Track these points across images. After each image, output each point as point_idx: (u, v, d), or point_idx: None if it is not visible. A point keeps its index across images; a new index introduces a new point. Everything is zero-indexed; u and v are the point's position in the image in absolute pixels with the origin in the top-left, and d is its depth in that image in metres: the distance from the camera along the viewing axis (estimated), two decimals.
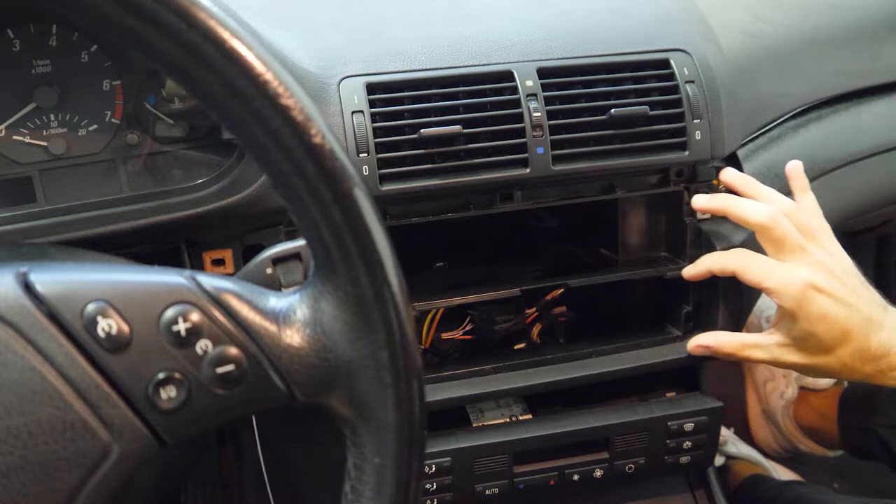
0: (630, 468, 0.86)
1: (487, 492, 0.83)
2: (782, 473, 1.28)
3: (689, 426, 0.86)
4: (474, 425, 0.84)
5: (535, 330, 0.90)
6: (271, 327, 0.43)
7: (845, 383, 1.35)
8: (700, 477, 0.99)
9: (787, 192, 0.91)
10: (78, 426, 0.40)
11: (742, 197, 0.81)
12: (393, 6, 0.85)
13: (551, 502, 0.89)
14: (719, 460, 1.23)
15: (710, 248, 0.83)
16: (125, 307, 0.41)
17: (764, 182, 0.88)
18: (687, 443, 0.87)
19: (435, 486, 0.81)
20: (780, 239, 0.77)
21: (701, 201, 0.82)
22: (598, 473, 0.85)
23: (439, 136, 0.73)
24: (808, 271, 0.76)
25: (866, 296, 0.78)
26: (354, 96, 0.73)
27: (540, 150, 0.76)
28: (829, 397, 1.33)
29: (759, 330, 1.46)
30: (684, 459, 0.88)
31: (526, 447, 0.81)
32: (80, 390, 0.40)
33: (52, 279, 0.41)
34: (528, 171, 0.76)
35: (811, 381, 1.35)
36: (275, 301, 0.44)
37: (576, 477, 0.85)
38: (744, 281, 0.78)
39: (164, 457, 0.44)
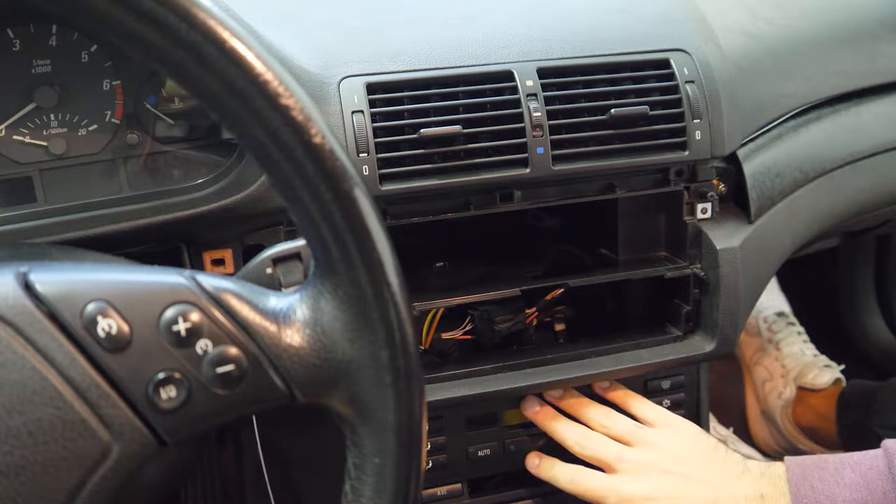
0: None
1: (480, 453, 0.85)
2: None
3: (666, 384, 0.89)
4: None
5: (535, 330, 0.90)
6: (271, 327, 0.43)
7: (843, 383, 1.35)
8: None
9: (788, 192, 0.91)
10: (78, 426, 0.40)
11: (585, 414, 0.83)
12: (393, 6, 0.85)
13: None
14: None
15: (710, 248, 0.83)
16: (125, 307, 0.41)
17: (764, 182, 0.88)
18: (666, 401, 0.89)
19: (430, 447, 0.83)
20: (594, 458, 0.79)
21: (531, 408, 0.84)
22: None
23: (439, 136, 0.73)
24: (639, 483, 0.76)
25: (712, 471, 0.77)
26: (354, 96, 0.73)
27: (540, 150, 0.76)
28: (827, 397, 1.33)
29: (758, 330, 1.47)
30: None
31: (513, 393, 0.82)
32: (80, 390, 0.40)
33: (52, 279, 0.41)
34: (528, 171, 0.76)
35: (809, 381, 1.35)
36: (275, 301, 0.44)
37: None
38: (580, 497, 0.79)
39: (164, 456, 0.44)
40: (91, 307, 0.40)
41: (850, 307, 1.64)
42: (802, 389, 1.36)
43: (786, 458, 0.76)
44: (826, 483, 0.71)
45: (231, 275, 0.54)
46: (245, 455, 1.07)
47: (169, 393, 0.41)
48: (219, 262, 0.75)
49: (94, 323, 0.40)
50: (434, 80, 0.76)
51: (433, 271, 0.93)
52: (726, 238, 0.84)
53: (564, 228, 0.99)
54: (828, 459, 0.74)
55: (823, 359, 1.40)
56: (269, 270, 0.49)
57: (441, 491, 0.87)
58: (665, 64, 0.81)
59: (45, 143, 0.72)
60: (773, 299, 1.51)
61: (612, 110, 0.77)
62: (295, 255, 0.49)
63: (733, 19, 0.92)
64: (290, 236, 0.76)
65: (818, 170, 0.93)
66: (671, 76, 0.80)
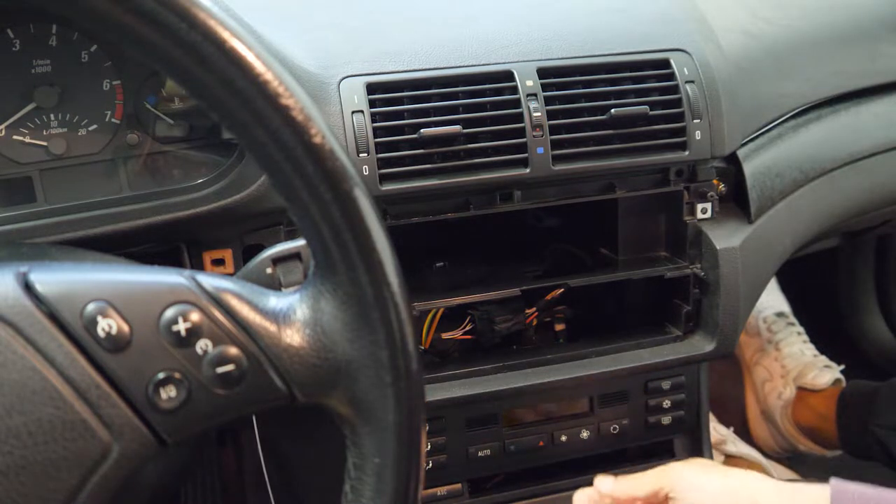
0: (615, 429, 0.88)
1: (480, 453, 0.85)
2: (781, 473, 1.28)
3: (666, 384, 0.89)
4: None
5: (535, 330, 0.90)
6: (271, 327, 0.43)
7: (843, 383, 1.35)
8: None
9: (788, 192, 0.91)
10: (78, 426, 0.40)
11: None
12: (393, 6, 0.85)
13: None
14: (718, 459, 1.23)
15: (710, 248, 0.83)
16: (125, 307, 0.41)
17: (764, 182, 0.88)
18: (666, 402, 0.89)
19: (430, 447, 0.83)
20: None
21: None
22: (585, 434, 0.87)
23: (439, 136, 0.73)
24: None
25: None
26: (354, 96, 0.73)
27: (540, 150, 0.76)
28: (827, 397, 1.33)
29: (758, 331, 1.47)
30: (665, 420, 0.90)
31: (513, 393, 0.82)
32: (80, 390, 0.40)
33: (52, 279, 0.41)
34: (528, 171, 0.76)
35: (809, 381, 1.35)
36: (275, 301, 0.44)
37: (563, 438, 0.87)
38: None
39: (165, 457, 0.44)
40: (91, 307, 0.40)
41: (850, 307, 1.64)
42: (802, 390, 1.36)
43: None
44: None
45: (231, 275, 0.54)
46: (245, 455, 1.07)
47: (169, 393, 0.41)
48: (219, 262, 0.75)
49: (94, 323, 0.40)
50: (434, 80, 0.76)
51: (433, 271, 0.93)
52: (726, 238, 0.84)
53: (564, 228, 0.99)
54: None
55: (823, 359, 1.40)
56: (269, 270, 0.49)
57: (441, 491, 0.87)
58: (665, 64, 0.81)
59: (45, 143, 0.72)
60: (772, 299, 1.51)
61: (612, 110, 0.77)
62: (295, 255, 0.49)
63: (733, 19, 0.92)
64: (290, 236, 0.76)
65: (818, 170, 0.93)
66: (671, 76, 0.80)
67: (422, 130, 0.73)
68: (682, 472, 0.72)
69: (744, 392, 1.48)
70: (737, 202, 0.88)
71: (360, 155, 0.72)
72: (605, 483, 0.75)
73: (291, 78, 0.39)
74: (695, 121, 0.80)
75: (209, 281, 0.43)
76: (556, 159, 0.77)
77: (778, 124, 0.93)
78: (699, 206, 0.85)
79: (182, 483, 1.08)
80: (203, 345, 0.41)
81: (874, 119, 0.98)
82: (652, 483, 0.72)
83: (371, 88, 0.74)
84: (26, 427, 0.39)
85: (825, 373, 1.35)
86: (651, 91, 0.80)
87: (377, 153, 0.73)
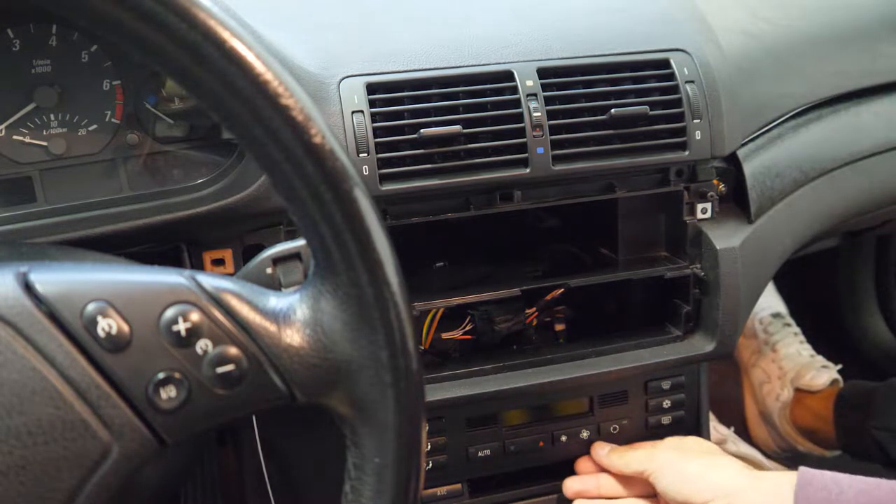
0: (615, 429, 0.89)
1: (480, 453, 0.86)
2: None
3: (666, 384, 0.89)
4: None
5: (535, 330, 0.90)
6: (271, 327, 0.43)
7: (841, 383, 1.35)
8: None
9: (788, 192, 0.91)
10: (78, 426, 0.40)
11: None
12: (393, 6, 0.85)
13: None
14: None
15: (710, 248, 0.83)
16: (125, 307, 0.41)
17: (764, 182, 0.88)
18: (666, 402, 0.90)
19: (430, 447, 0.83)
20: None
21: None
22: (585, 434, 0.88)
23: (439, 136, 0.73)
24: None
25: None
26: (354, 96, 0.73)
27: (540, 150, 0.76)
28: (824, 398, 1.33)
29: (754, 332, 1.47)
30: (666, 420, 0.90)
31: (513, 393, 0.82)
32: (80, 390, 0.40)
33: (52, 279, 0.41)
34: (528, 171, 0.76)
35: (807, 382, 1.35)
36: (275, 301, 0.44)
37: (563, 438, 0.87)
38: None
39: (164, 457, 0.44)
40: (91, 307, 0.40)
41: (850, 307, 1.64)
42: (800, 391, 1.36)
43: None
44: None
45: (231, 275, 0.54)
46: (245, 455, 1.07)
47: (169, 393, 0.41)
48: (219, 262, 0.75)
49: (94, 323, 0.40)
50: (434, 79, 0.76)
51: (433, 271, 0.93)
52: (726, 238, 0.84)
53: (564, 228, 0.99)
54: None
55: (820, 359, 1.40)
56: (269, 270, 0.49)
57: (441, 491, 0.87)
58: (665, 64, 0.81)
59: (45, 143, 0.72)
60: (768, 300, 1.51)
61: (612, 110, 0.77)
62: (295, 255, 0.49)
63: (733, 19, 0.92)
64: (290, 236, 0.76)
65: (818, 170, 0.93)
66: (671, 76, 0.80)
67: (422, 130, 0.73)
68: (665, 456, 0.82)
69: (742, 393, 1.48)
70: (737, 202, 0.88)
71: (360, 155, 0.72)
72: (601, 450, 0.87)
73: (291, 78, 0.39)
74: (695, 121, 0.80)
75: (209, 281, 0.43)
76: (556, 159, 0.77)
77: (778, 124, 0.93)
78: (699, 206, 0.85)
79: (182, 483, 1.08)
80: (203, 345, 0.41)
81: (874, 119, 0.98)
82: (638, 463, 0.83)
83: (371, 88, 0.74)
84: (26, 427, 0.39)
85: (822, 373, 1.35)
86: (651, 91, 0.80)
87: (377, 153, 0.73)
